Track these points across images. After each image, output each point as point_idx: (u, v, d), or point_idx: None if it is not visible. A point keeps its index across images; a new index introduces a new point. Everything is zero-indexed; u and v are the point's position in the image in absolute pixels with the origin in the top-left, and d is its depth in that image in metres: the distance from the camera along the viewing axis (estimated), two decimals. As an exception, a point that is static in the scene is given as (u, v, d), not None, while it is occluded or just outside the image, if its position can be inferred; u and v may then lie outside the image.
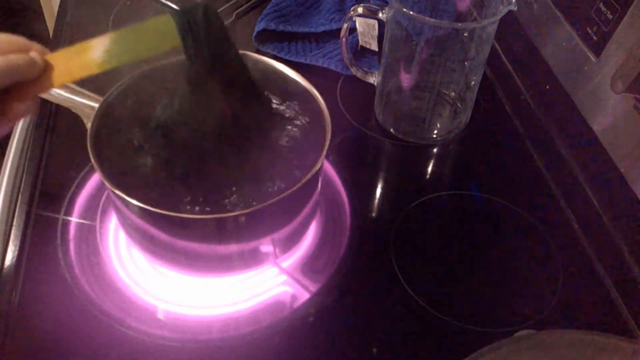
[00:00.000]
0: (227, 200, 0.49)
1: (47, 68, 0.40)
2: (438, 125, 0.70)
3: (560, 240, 0.60)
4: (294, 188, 0.45)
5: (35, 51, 0.39)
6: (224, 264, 0.51)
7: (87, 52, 0.42)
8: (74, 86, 0.50)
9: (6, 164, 0.62)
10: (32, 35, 0.40)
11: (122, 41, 0.43)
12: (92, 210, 0.59)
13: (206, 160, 0.51)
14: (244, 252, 0.50)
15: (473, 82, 0.67)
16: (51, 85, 0.41)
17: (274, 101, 0.56)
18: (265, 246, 0.51)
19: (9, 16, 1.36)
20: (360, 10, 0.65)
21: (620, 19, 0.56)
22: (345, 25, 0.68)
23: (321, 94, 0.52)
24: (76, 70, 0.42)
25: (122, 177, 0.48)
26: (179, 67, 0.55)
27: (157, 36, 0.45)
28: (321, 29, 0.79)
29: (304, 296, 0.53)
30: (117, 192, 0.44)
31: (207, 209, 0.48)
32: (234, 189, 0.49)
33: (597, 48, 0.60)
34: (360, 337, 0.51)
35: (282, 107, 0.56)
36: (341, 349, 0.50)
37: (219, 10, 0.88)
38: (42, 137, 0.66)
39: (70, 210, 0.59)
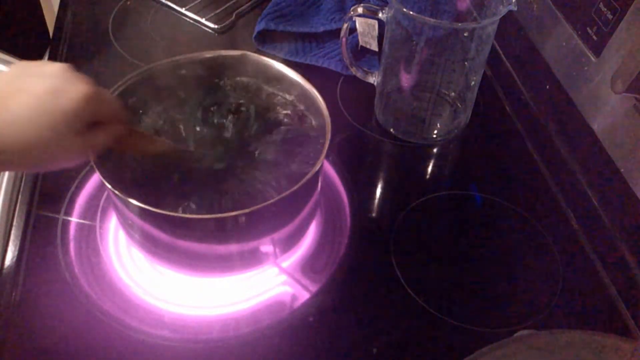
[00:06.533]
0: (227, 200, 0.49)
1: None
2: (438, 125, 0.70)
3: (560, 240, 0.60)
4: (294, 188, 0.45)
5: None
6: (224, 264, 0.51)
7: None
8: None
9: (6, 164, 0.62)
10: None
11: None
12: (92, 210, 0.59)
13: (206, 159, 0.51)
14: (244, 252, 0.50)
15: (473, 82, 0.67)
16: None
17: (274, 101, 0.56)
18: (265, 246, 0.51)
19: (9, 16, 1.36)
20: (360, 10, 0.65)
21: (620, 19, 0.56)
22: (345, 25, 0.68)
23: (321, 94, 0.52)
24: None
25: (122, 177, 0.48)
26: (178, 68, 0.55)
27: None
28: (321, 29, 0.79)
29: (304, 296, 0.53)
30: (117, 192, 0.44)
31: (207, 208, 0.48)
32: (234, 188, 0.49)
33: (597, 48, 0.60)
34: (360, 337, 0.51)
35: (281, 107, 0.56)
36: (341, 349, 0.50)
37: (218, 11, 0.88)
38: (42, 137, 0.66)
39: (70, 210, 0.59)
